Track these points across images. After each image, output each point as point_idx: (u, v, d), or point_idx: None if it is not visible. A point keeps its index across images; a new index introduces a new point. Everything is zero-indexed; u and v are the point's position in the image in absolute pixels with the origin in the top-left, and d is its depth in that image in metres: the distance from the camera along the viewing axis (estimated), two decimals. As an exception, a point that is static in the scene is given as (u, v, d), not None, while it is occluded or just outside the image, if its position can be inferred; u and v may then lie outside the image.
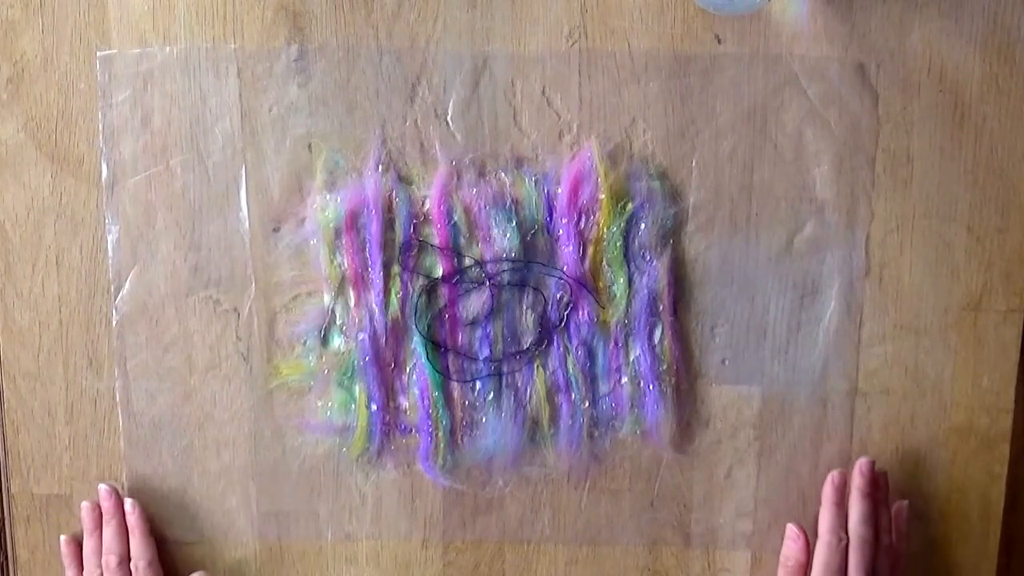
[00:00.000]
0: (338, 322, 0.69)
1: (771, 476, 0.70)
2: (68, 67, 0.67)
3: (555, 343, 0.69)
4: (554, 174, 0.67)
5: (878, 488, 0.68)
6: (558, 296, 0.69)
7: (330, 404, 0.70)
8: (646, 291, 0.68)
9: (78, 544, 0.71)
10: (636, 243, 0.68)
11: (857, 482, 0.67)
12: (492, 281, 0.68)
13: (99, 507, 0.70)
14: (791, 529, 0.69)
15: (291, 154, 0.67)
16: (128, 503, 0.70)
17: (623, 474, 0.71)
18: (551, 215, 0.68)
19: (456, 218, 0.68)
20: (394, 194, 0.67)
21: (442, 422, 0.70)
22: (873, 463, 0.68)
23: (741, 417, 0.70)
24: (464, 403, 0.70)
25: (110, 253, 0.69)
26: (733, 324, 0.69)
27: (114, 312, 0.69)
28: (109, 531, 0.70)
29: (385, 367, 0.69)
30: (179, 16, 0.66)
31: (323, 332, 0.69)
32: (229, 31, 0.66)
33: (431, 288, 0.68)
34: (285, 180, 0.68)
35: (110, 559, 0.69)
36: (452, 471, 0.70)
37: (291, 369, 0.70)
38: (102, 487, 0.70)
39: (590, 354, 0.69)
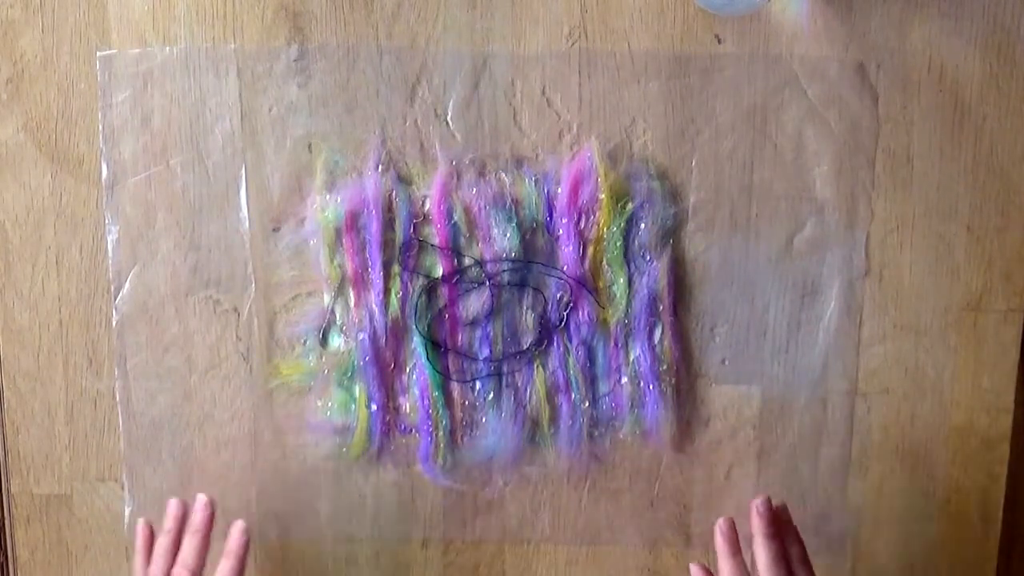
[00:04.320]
0: (338, 322, 0.69)
1: (771, 476, 0.70)
2: (68, 67, 0.67)
3: (555, 343, 0.69)
4: (554, 174, 0.67)
5: (781, 522, 0.64)
6: (558, 296, 0.69)
7: (330, 404, 0.70)
8: (646, 291, 0.68)
9: (152, 533, 0.66)
10: (636, 243, 0.68)
11: (756, 525, 0.63)
12: (492, 281, 0.68)
13: (185, 509, 0.66)
14: (695, 570, 0.64)
15: (291, 154, 0.67)
16: (238, 527, 0.65)
17: (623, 474, 0.71)
18: (551, 215, 0.68)
19: (456, 218, 0.67)
20: (394, 194, 0.67)
21: (442, 422, 0.70)
22: (768, 499, 0.64)
23: (741, 417, 0.70)
24: (464, 403, 0.70)
25: (110, 253, 0.68)
26: (733, 324, 0.69)
27: (114, 312, 0.69)
28: (191, 544, 0.64)
29: (385, 367, 0.69)
30: (179, 16, 0.66)
31: (323, 332, 0.69)
32: (229, 31, 0.66)
33: (431, 288, 0.68)
34: (285, 180, 0.68)
35: (182, 573, 0.63)
36: (452, 471, 0.70)
37: (291, 369, 0.70)
38: (202, 497, 0.66)
39: (590, 354, 0.69)
